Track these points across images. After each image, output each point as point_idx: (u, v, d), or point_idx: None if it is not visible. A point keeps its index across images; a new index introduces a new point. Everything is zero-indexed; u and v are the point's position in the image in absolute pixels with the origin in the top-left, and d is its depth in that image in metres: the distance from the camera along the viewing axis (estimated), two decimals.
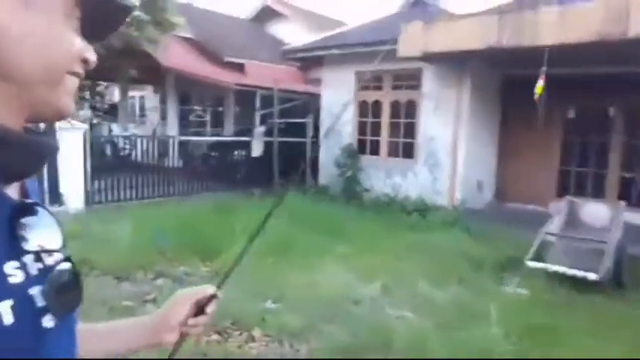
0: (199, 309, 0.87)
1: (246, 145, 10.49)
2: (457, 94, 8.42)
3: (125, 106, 15.24)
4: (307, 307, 4.14)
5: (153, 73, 13.67)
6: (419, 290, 4.77)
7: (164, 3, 10.96)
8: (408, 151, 9.18)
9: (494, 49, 6.84)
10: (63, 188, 7.45)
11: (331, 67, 10.15)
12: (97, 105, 15.41)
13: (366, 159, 9.72)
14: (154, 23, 11.08)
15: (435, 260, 5.64)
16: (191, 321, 0.86)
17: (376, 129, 9.67)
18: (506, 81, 8.91)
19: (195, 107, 13.49)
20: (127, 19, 0.83)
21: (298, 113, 11.74)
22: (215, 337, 3.57)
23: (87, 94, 16.86)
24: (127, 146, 11.76)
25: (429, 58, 7.86)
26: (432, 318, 4.07)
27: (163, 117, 14.32)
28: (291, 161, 11.27)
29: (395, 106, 9.32)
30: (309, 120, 10.53)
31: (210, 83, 11.81)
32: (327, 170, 10.39)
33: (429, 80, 8.75)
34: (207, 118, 13.33)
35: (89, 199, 8.02)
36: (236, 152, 10.42)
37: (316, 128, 10.77)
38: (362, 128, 9.94)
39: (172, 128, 13.35)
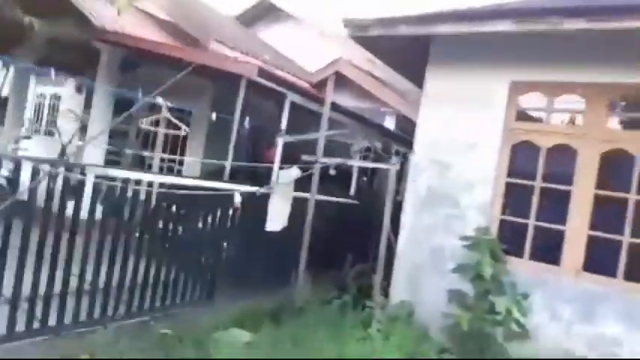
0: None
1: (255, 201, 4.84)
2: None
3: (19, 102, 9.11)
4: None
5: (82, 55, 7.85)
6: None
7: None
8: None
9: None
10: None
11: (449, 68, 5.00)
12: None
13: (523, 268, 4.46)
14: None
15: None
16: None
17: (557, 204, 4.49)
18: None
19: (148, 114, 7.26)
20: None
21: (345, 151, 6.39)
22: None
23: None
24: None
25: None
26: None
27: (84, 127, 8.35)
28: (341, 244, 5.87)
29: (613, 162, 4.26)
30: (392, 166, 5.13)
31: (174, 66, 6.13)
32: (411, 272, 5.02)
33: None
34: (162, 130, 7.25)
35: None
36: (218, 211, 4.70)
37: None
38: (514, 199, 4.76)
39: (96, 149, 7.39)
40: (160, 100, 4.65)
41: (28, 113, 10.73)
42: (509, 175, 4.71)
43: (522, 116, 4.76)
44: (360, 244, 6.82)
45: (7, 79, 9.82)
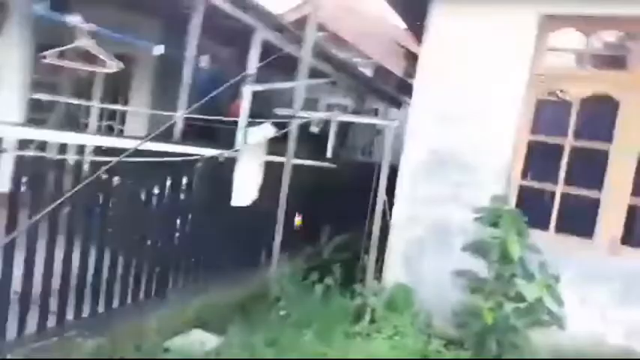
0: None
1: (217, 167, 3.77)
2: None
3: None
4: None
5: None
6: None
7: None
8: None
9: None
10: None
11: (460, 1, 4.02)
12: None
13: (547, 242, 3.70)
14: None
15: None
16: None
17: (590, 167, 3.72)
18: None
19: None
20: None
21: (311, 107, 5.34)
22: None
23: None
24: None
25: None
26: None
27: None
28: (317, 215, 4.96)
29: None
30: (391, 122, 4.17)
31: None
32: (409, 250, 4.19)
33: None
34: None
35: None
36: (184, 182, 3.63)
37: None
38: (538, 162, 3.95)
39: (15, 102, 5.96)
40: (73, 18, 3.26)
41: None
42: (534, 132, 3.88)
43: (552, 59, 3.89)
44: (338, 214, 5.94)
45: None
